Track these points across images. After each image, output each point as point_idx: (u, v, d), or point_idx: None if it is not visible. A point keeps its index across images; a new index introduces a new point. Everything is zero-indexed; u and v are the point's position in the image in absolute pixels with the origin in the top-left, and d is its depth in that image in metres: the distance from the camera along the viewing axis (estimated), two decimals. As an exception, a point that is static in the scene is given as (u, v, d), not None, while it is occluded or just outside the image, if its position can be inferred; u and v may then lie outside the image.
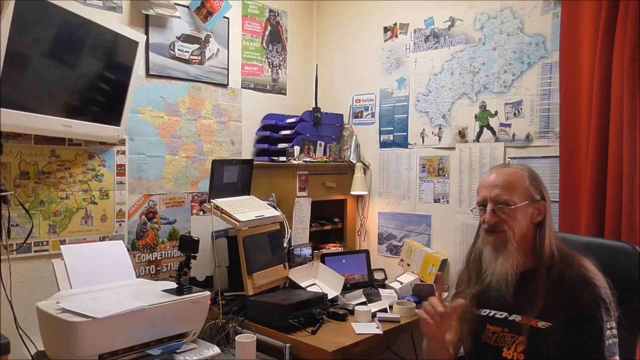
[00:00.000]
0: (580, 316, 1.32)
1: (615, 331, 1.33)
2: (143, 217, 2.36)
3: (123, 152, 2.28)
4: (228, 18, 2.68)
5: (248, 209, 2.32)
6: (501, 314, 1.45)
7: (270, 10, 2.95)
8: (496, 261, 1.43)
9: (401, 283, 2.52)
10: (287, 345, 1.86)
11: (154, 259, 2.40)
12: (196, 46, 2.54)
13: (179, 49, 2.47)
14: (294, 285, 2.39)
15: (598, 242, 1.75)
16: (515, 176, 1.46)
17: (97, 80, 2.00)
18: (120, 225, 2.27)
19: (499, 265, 1.42)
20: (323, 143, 2.87)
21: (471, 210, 1.57)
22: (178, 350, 1.65)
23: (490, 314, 1.47)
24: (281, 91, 3.03)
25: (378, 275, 2.75)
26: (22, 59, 1.69)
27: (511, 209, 1.42)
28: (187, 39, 2.50)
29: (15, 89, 1.67)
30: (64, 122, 1.89)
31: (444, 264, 2.52)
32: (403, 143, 2.78)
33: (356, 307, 2.22)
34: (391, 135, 2.84)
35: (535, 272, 1.41)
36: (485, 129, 2.45)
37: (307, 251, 2.58)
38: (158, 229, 2.42)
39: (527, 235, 1.44)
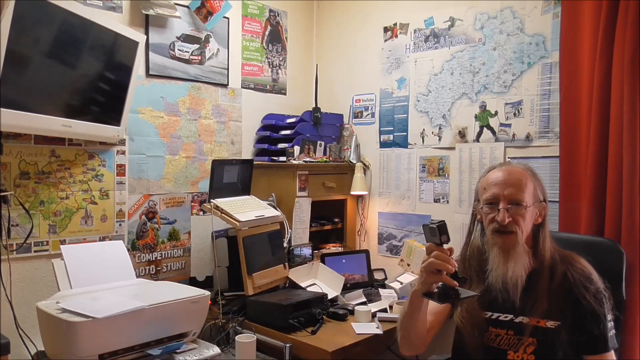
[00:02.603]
0: (587, 314, 1.34)
1: (612, 323, 1.38)
2: (143, 217, 2.36)
3: (123, 152, 2.28)
4: (228, 18, 2.68)
5: (248, 209, 2.32)
6: (506, 317, 1.42)
7: (270, 10, 2.95)
8: (507, 264, 1.38)
9: (401, 283, 2.52)
10: (287, 345, 1.87)
11: (154, 259, 2.40)
12: (196, 46, 2.54)
13: (179, 49, 2.47)
14: (294, 285, 2.39)
15: (580, 238, 1.77)
16: (524, 176, 1.43)
17: (97, 80, 2.00)
18: (120, 225, 2.27)
19: (511, 269, 1.38)
20: (323, 143, 2.87)
21: (480, 208, 1.47)
22: (178, 350, 1.65)
23: (494, 317, 1.44)
24: (281, 91, 3.03)
25: (378, 275, 2.75)
26: (22, 59, 1.69)
27: (524, 210, 1.38)
28: (187, 39, 2.50)
29: (15, 89, 1.67)
30: (64, 122, 1.89)
31: (444, 264, 2.52)
32: (403, 143, 2.78)
33: (356, 307, 2.22)
34: (391, 135, 2.84)
35: (537, 273, 1.40)
36: (485, 129, 2.45)
37: (307, 251, 2.58)
38: (158, 229, 2.42)
39: (529, 237, 1.43)
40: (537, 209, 1.43)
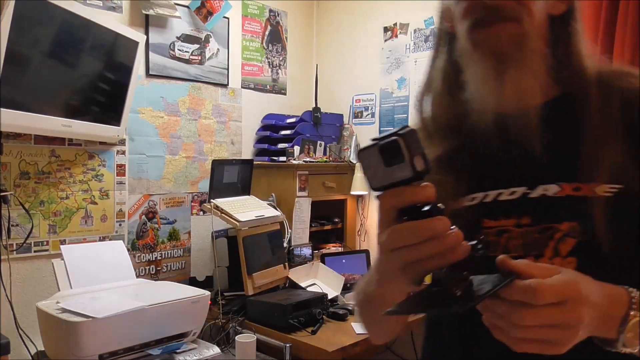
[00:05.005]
0: None
1: None
2: (143, 217, 2.36)
3: (123, 152, 2.28)
4: (228, 18, 2.68)
5: (248, 209, 2.33)
6: (512, 192, 0.70)
7: (270, 10, 2.95)
8: (502, 75, 0.68)
9: (401, 283, 2.52)
10: (287, 345, 1.87)
11: (154, 259, 2.40)
12: (196, 46, 2.54)
13: (179, 49, 2.47)
14: (294, 285, 2.39)
15: None
16: None
17: (97, 80, 2.00)
18: (120, 225, 2.27)
19: (512, 83, 0.68)
20: (323, 143, 2.87)
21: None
22: (178, 350, 1.66)
23: (488, 199, 0.71)
24: (281, 91, 3.03)
25: (378, 275, 2.75)
26: (22, 59, 1.69)
27: None
28: (187, 39, 2.50)
29: (15, 89, 1.67)
30: (64, 122, 1.89)
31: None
32: (403, 143, 2.78)
33: (356, 307, 2.22)
34: (391, 135, 2.84)
35: (567, 102, 0.71)
36: (485, 129, 2.45)
37: (307, 251, 2.58)
38: (158, 229, 2.42)
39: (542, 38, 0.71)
40: None
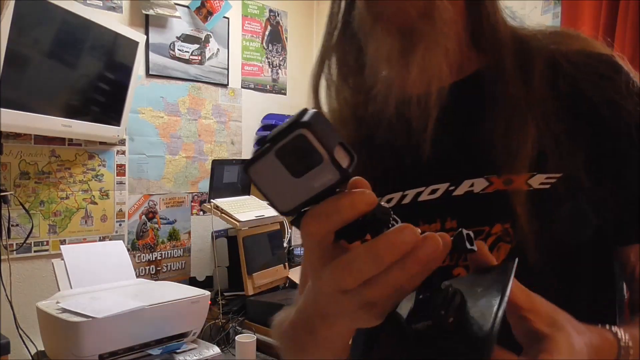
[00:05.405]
0: (613, 127, 0.54)
1: None
2: (143, 217, 2.36)
3: (123, 152, 2.28)
4: (228, 18, 2.68)
5: (248, 209, 2.33)
6: (433, 190, 0.58)
7: (270, 10, 2.95)
8: (407, 57, 0.56)
9: (401, 283, 2.52)
10: (287, 345, 1.86)
11: (154, 259, 2.40)
12: (196, 46, 2.54)
13: (179, 49, 2.47)
14: (294, 285, 2.39)
15: None
16: None
17: (97, 80, 2.00)
18: (120, 225, 2.27)
19: (416, 65, 0.55)
20: (323, 143, 2.87)
21: None
22: (178, 350, 1.66)
23: (405, 200, 0.60)
24: (281, 91, 3.03)
25: (378, 275, 2.75)
26: (22, 59, 1.69)
27: None
28: (187, 39, 2.50)
29: (15, 89, 1.67)
30: (64, 122, 1.89)
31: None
32: (403, 143, 2.78)
33: (356, 307, 2.22)
34: (391, 135, 2.84)
35: (490, 76, 0.58)
36: (485, 129, 2.45)
37: (307, 251, 2.58)
38: (158, 229, 2.42)
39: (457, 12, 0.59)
40: None
